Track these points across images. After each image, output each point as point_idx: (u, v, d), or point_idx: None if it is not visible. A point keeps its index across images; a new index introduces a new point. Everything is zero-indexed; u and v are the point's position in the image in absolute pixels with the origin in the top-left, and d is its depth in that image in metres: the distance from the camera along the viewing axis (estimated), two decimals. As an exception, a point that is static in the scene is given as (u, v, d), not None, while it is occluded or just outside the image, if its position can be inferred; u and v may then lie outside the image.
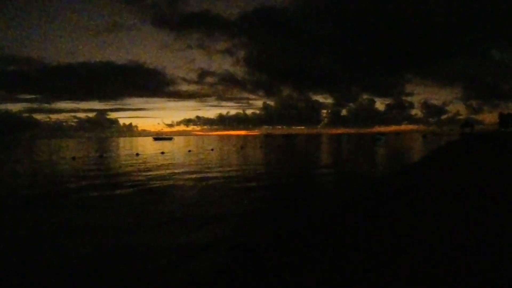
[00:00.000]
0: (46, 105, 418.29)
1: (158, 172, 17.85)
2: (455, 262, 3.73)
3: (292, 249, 5.14)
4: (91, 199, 10.61)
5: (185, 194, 11.36)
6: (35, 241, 6.45)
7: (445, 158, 20.49)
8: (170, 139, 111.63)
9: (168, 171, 18.26)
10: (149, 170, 18.95)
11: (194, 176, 16.06)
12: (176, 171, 18.43)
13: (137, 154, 34.45)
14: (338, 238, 5.35)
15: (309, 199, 10.14)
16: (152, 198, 10.63)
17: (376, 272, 3.64)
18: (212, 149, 43.29)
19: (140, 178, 15.67)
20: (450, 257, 3.90)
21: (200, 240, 6.25)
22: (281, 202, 9.91)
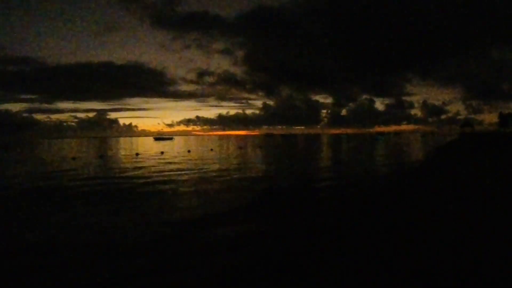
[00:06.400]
0: (46, 105, 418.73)
1: (157, 172, 17.88)
2: (455, 263, 3.75)
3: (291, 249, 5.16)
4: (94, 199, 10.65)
5: (185, 191, 11.39)
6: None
7: (445, 158, 20.50)
8: (170, 139, 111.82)
9: (167, 171, 18.28)
10: (149, 170, 18.98)
11: (193, 174, 16.09)
12: (176, 170, 18.45)
13: (137, 154, 34.47)
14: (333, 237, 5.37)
15: (305, 198, 10.16)
16: (154, 197, 10.67)
17: (377, 274, 3.66)
18: (211, 149, 43.30)
19: (141, 177, 15.70)
20: (450, 258, 3.92)
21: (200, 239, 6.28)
22: (278, 203, 9.92)
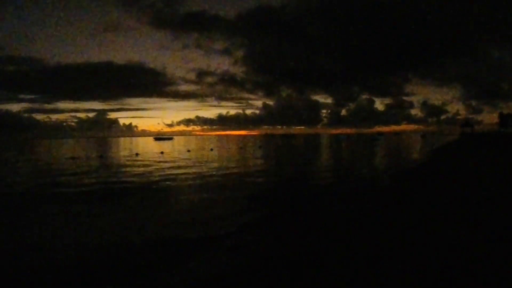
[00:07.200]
0: (46, 105, 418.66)
1: (157, 174, 17.85)
2: (455, 264, 3.72)
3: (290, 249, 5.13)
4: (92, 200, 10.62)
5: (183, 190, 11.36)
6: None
7: (445, 159, 20.49)
8: (170, 139, 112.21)
9: (166, 172, 18.26)
10: (149, 171, 18.95)
11: (193, 175, 16.07)
12: (176, 172, 18.43)
13: (137, 154, 34.48)
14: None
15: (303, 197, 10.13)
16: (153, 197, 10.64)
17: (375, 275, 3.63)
18: (211, 149, 43.30)
19: (140, 179, 15.68)
20: (449, 259, 3.89)
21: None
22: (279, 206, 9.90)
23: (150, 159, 27.93)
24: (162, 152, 36.81)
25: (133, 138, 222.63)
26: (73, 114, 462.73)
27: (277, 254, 5.00)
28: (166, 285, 4.45)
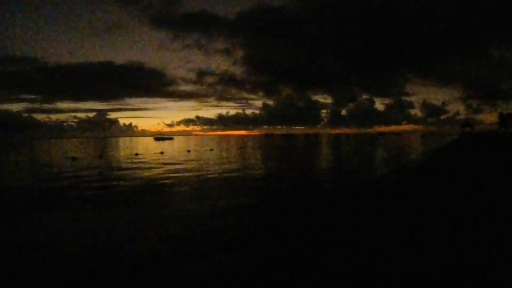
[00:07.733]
0: (46, 105, 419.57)
1: (156, 174, 17.86)
2: (455, 265, 3.73)
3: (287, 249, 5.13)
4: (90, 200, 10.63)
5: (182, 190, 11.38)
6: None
7: (445, 159, 20.48)
8: (170, 139, 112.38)
9: (166, 172, 18.27)
10: (148, 171, 18.95)
11: (192, 176, 16.09)
12: (175, 172, 18.44)
13: (137, 154, 34.49)
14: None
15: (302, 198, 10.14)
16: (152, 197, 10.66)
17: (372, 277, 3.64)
18: (211, 149, 43.31)
19: (140, 179, 15.68)
20: (449, 260, 3.90)
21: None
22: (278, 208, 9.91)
23: (150, 159, 27.95)
24: (162, 152, 36.84)
25: (133, 138, 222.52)
26: (73, 114, 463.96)
27: (277, 254, 5.02)
28: (166, 285, 4.46)
